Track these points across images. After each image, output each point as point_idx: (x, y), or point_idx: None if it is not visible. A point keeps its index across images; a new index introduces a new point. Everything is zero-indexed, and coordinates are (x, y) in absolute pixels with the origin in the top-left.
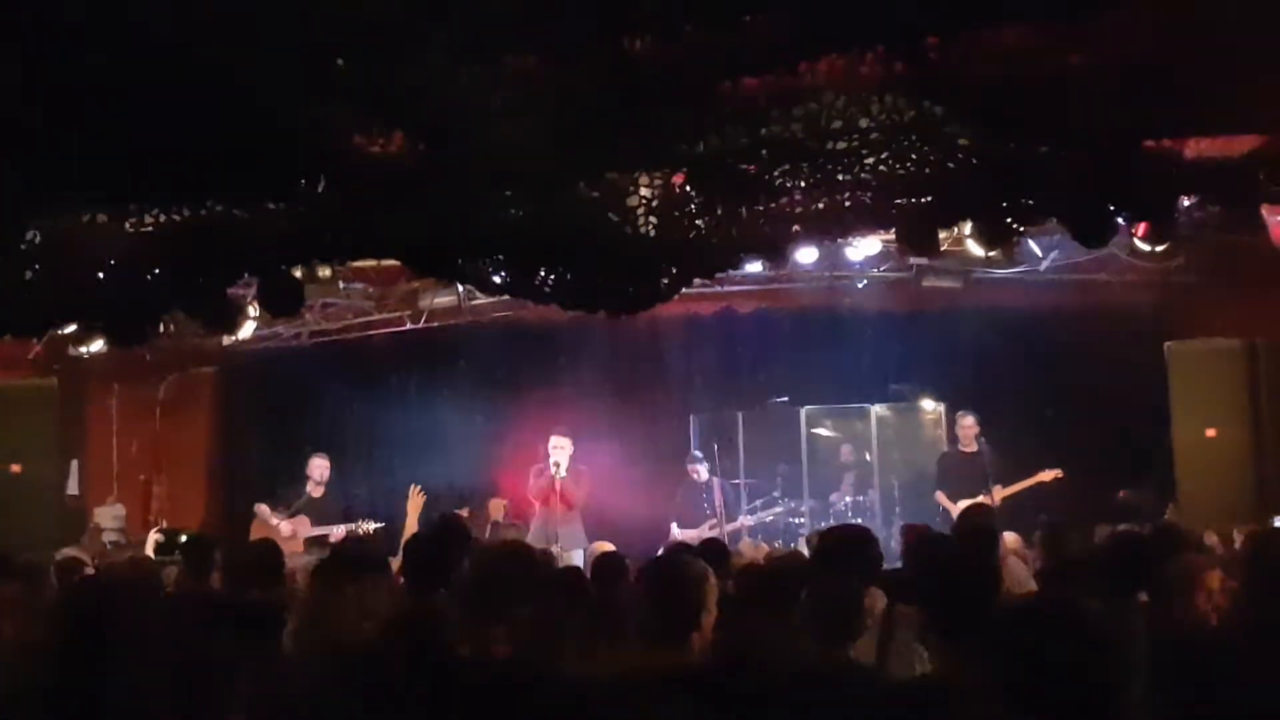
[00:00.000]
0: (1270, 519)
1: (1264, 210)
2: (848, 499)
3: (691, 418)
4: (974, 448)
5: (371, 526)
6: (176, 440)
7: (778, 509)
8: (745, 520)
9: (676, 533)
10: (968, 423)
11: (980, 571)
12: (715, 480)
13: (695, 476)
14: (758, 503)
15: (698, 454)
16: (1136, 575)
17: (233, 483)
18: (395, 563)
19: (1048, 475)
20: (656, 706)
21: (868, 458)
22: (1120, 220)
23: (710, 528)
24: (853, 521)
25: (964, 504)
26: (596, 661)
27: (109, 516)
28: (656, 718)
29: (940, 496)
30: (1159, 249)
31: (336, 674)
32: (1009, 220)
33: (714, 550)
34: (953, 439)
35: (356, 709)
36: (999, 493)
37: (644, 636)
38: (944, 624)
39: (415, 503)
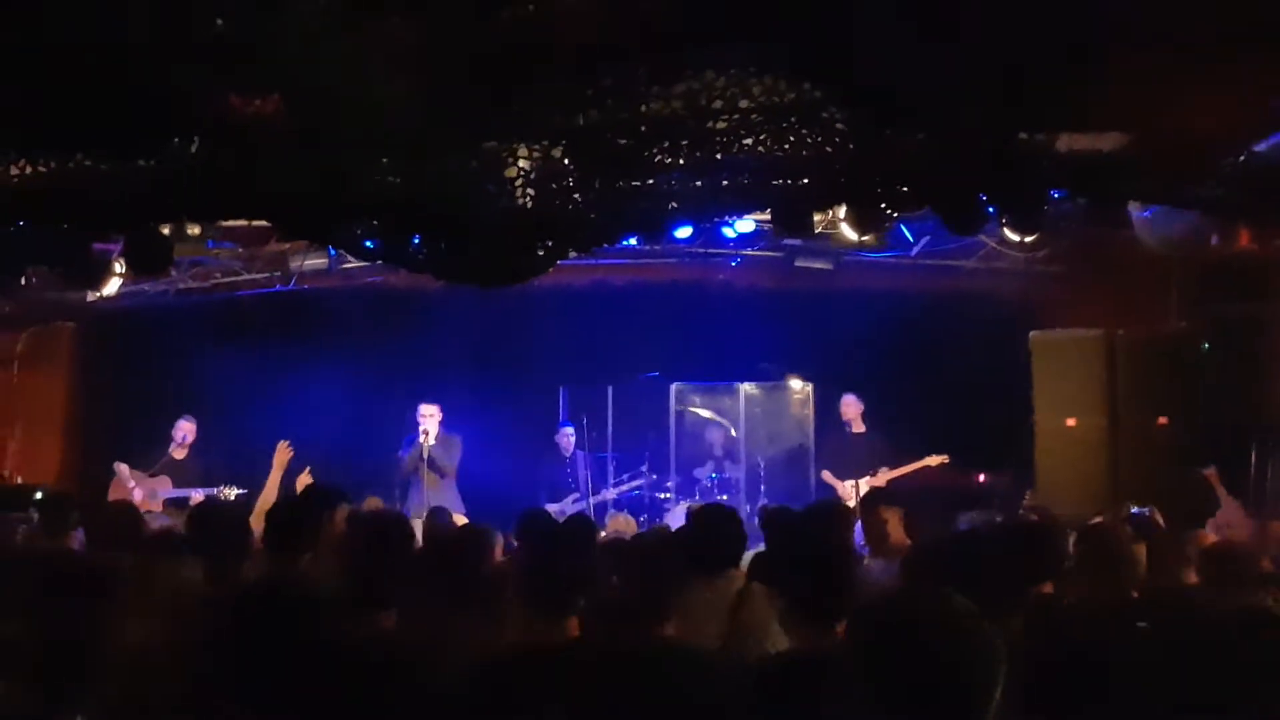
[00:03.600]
0: (1125, 506)
1: (1130, 206)
2: (713, 475)
3: (561, 389)
4: (862, 428)
5: (233, 492)
6: (33, 394)
7: (640, 481)
8: (608, 493)
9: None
10: (850, 403)
11: (832, 550)
12: (579, 454)
13: (563, 446)
14: (624, 476)
15: (567, 426)
16: (1025, 567)
17: (91, 440)
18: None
19: (934, 460)
20: (531, 686)
21: (734, 434)
22: (990, 210)
23: (574, 501)
24: (718, 498)
25: (849, 484)
26: (469, 639)
27: None
28: (530, 697)
29: (827, 475)
30: (1027, 239)
31: (194, 643)
32: (883, 205)
33: (583, 526)
34: (839, 420)
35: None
36: (884, 475)
37: (522, 614)
38: (801, 604)
39: (281, 457)
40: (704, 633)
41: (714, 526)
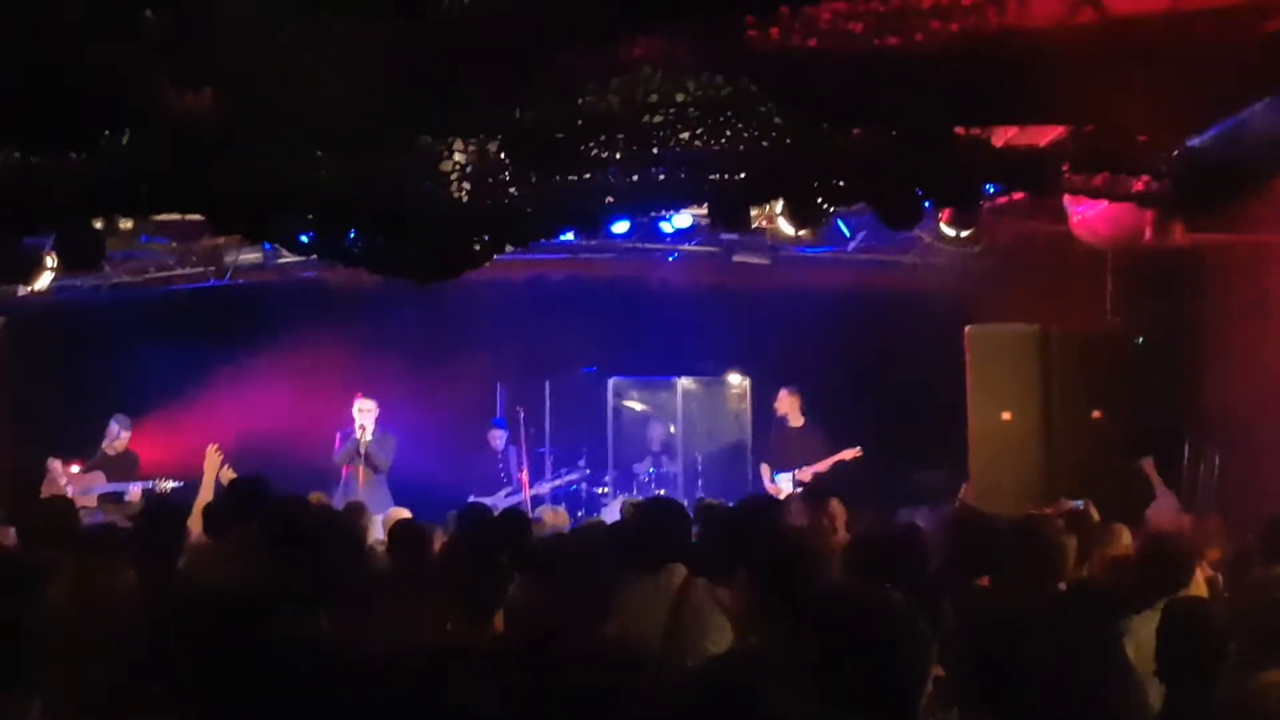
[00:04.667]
0: (1060, 500)
1: (1066, 200)
2: (651, 469)
3: (498, 385)
4: (799, 422)
5: (169, 485)
6: None
7: (574, 475)
8: (542, 487)
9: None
10: (786, 397)
11: (767, 544)
12: (512, 449)
13: (494, 444)
14: (563, 470)
15: (499, 421)
16: (978, 560)
17: (23, 435)
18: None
19: (848, 454)
20: (457, 684)
21: (672, 430)
22: (927, 205)
23: (506, 495)
24: (656, 492)
25: (783, 477)
26: (401, 634)
27: None
28: (457, 695)
29: (764, 469)
30: (963, 234)
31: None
32: (820, 200)
33: (514, 521)
34: (777, 414)
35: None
36: (805, 471)
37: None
38: (749, 597)
39: (212, 461)
40: (644, 629)
41: (657, 521)
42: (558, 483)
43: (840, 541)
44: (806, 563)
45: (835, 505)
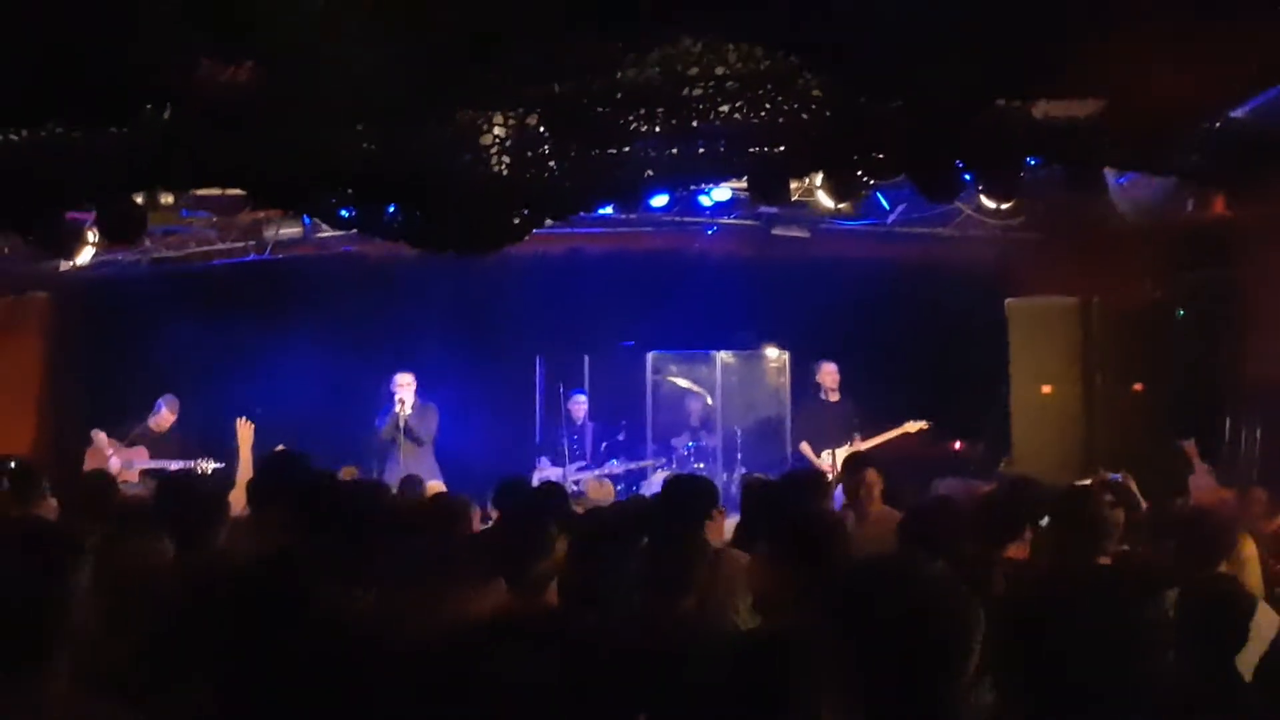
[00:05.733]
0: (1100, 473)
1: (1106, 173)
2: (690, 444)
3: (537, 358)
4: (837, 397)
5: (211, 465)
6: (7, 365)
7: (650, 461)
8: (615, 467)
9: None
10: (830, 371)
11: (809, 519)
12: (591, 424)
13: (576, 414)
14: (604, 445)
15: (580, 390)
16: (1004, 529)
17: (65, 410)
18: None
19: (913, 427)
20: (501, 655)
21: (711, 403)
22: (967, 177)
23: (579, 469)
24: (695, 466)
25: (826, 454)
26: (442, 607)
27: None
28: (501, 666)
29: (805, 447)
30: (1003, 206)
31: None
32: (859, 173)
33: (554, 493)
34: (814, 388)
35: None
36: (858, 443)
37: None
38: (780, 571)
39: (245, 435)
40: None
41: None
42: (633, 466)
43: (875, 511)
44: (826, 538)
45: (872, 475)
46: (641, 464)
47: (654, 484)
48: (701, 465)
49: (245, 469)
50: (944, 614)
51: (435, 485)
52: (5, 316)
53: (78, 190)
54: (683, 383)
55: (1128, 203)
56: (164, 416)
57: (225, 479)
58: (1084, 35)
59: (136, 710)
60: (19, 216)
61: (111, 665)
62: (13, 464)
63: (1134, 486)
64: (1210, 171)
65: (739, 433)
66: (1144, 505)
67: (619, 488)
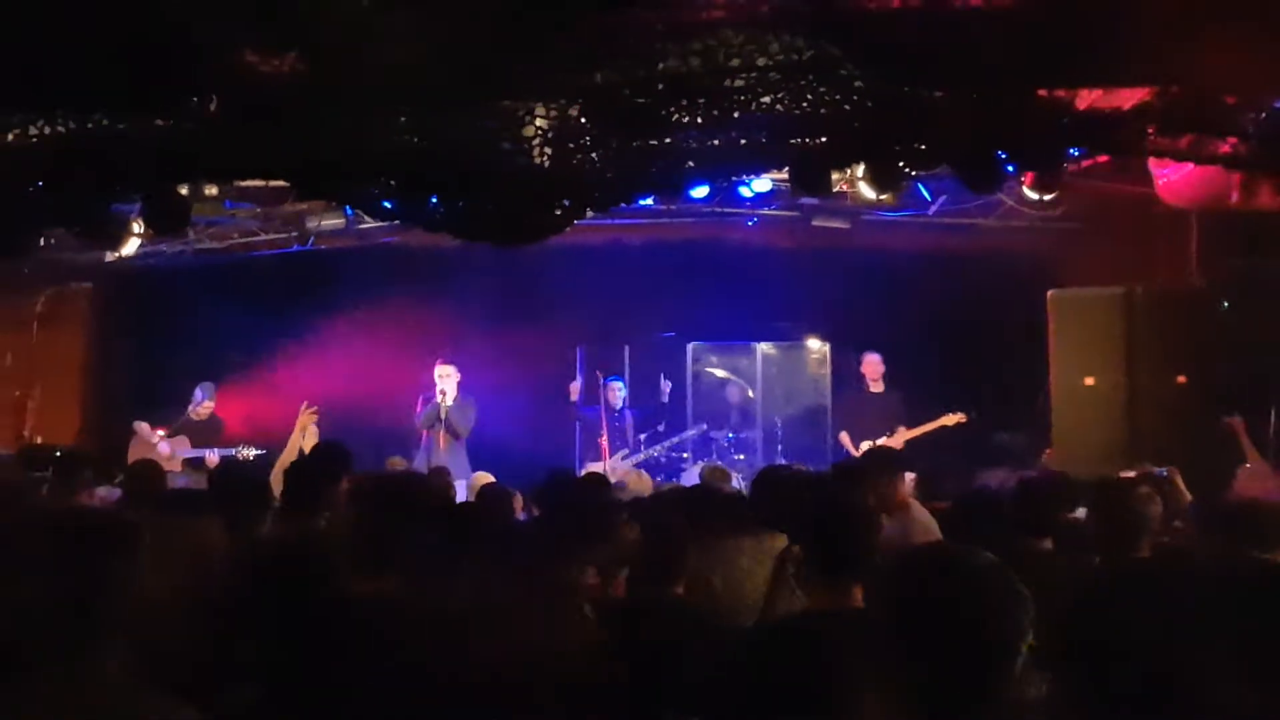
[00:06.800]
0: (1141, 465)
1: (1151, 163)
2: (730, 435)
3: (578, 349)
4: (880, 388)
5: (251, 453)
6: (52, 355)
7: (692, 432)
8: (654, 449)
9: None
10: (874, 362)
11: (846, 510)
12: (629, 411)
13: (613, 401)
14: (671, 434)
15: (617, 377)
16: (1041, 521)
17: (109, 400)
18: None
19: (951, 419)
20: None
21: (751, 394)
22: (1009, 168)
23: (623, 458)
24: (735, 458)
25: (866, 445)
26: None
27: None
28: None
29: (844, 438)
30: (1045, 197)
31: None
32: (901, 164)
33: (598, 483)
34: (858, 379)
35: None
36: (902, 435)
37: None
38: (818, 564)
39: (305, 419)
40: (744, 592)
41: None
42: (674, 441)
43: (904, 502)
44: (854, 532)
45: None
46: (685, 435)
47: (691, 475)
48: (742, 456)
49: (290, 452)
50: (995, 605)
51: (482, 476)
52: (50, 307)
53: (123, 181)
54: (722, 373)
55: (1172, 193)
56: (201, 401)
57: (268, 463)
58: (1130, 24)
59: (188, 700)
60: (65, 208)
61: (160, 652)
62: (58, 453)
63: (1180, 481)
64: (1257, 161)
65: (779, 423)
66: (1188, 499)
67: (658, 479)
